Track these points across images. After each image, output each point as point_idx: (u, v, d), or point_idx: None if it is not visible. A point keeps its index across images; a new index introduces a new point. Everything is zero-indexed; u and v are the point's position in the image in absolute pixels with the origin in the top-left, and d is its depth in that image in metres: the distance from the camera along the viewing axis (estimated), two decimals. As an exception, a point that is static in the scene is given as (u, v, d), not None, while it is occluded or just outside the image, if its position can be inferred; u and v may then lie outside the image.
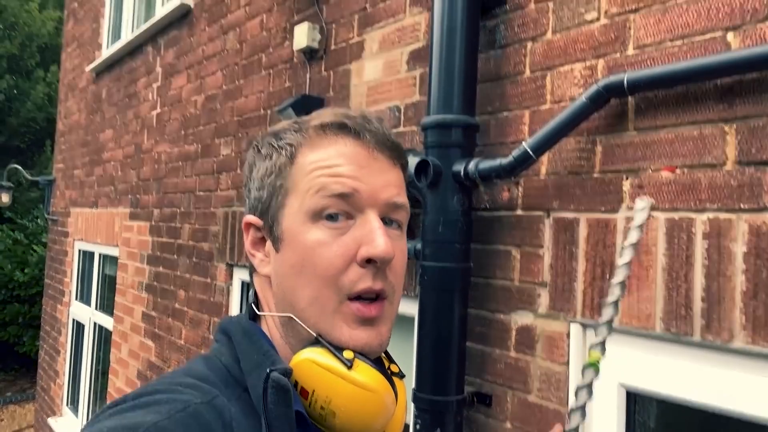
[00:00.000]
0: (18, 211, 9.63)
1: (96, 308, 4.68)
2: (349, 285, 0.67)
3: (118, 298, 4.02)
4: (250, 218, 0.74)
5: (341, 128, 0.70)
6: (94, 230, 4.59)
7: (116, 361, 3.94)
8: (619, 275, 0.83)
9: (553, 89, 1.39)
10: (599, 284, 1.26)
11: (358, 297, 0.68)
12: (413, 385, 1.45)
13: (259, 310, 0.75)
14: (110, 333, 4.15)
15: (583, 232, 1.30)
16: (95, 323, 4.65)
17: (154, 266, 3.47)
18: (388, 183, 0.70)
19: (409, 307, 1.68)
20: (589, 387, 0.79)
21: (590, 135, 1.31)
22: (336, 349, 0.66)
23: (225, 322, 0.74)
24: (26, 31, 10.22)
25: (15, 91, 10.16)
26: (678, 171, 1.15)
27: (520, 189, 1.44)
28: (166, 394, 0.59)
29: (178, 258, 3.17)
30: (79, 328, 5.00)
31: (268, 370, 0.61)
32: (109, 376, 4.05)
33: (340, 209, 0.67)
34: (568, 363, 1.30)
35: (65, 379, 5.13)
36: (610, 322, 0.81)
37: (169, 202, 3.32)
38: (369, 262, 0.67)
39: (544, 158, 1.39)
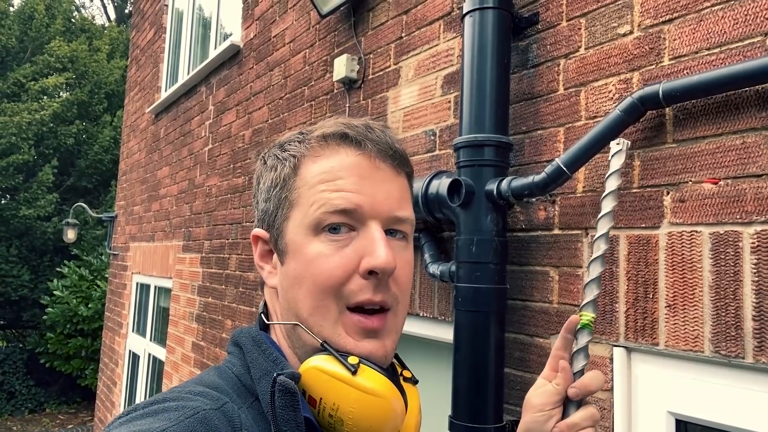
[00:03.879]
0: (84, 248, 10.13)
1: (150, 339, 4.82)
2: (349, 295, 0.67)
3: (170, 329, 4.12)
4: (258, 232, 0.75)
5: (343, 138, 0.70)
6: (151, 263, 4.76)
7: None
8: (603, 226, 0.84)
9: (587, 105, 1.36)
10: (642, 305, 1.19)
11: (360, 308, 0.67)
12: (450, 412, 1.40)
13: (268, 321, 0.75)
14: (163, 364, 4.25)
15: (623, 250, 1.24)
16: (150, 354, 4.77)
17: (203, 297, 3.56)
18: (390, 195, 0.70)
19: (446, 333, 1.64)
20: (585, 350, 0.78)
21: (628, 149, 1.26)
22: (341, 355, 0.65)
23: (236, 334, 0.75)
24: (95, 79, 10.94)
25: (84, 136, 10.83)
26: (721, 183, 1.09)
27: (557, 207, 1.40)
28: (175, 401, 0.59)
29: (226, 288, 3.24)
30: (134, 359, 5.15)
31: (275, 374, 0.61)
32: (161, 406, 4.12)
33: (342, 222, 0.67)
34: (612, 389, 1.23)
35: (121, 410, 5.26)
36: (599, 278, 0.81)
37: (218, 234, 3.42)
38: (371, 273, 0.66)
39: (581, 175, 1.35)
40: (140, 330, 5.13)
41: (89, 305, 9.17)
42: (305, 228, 0.68)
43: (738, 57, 1.08)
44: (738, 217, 1.06)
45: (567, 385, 0.78)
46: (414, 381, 0.76)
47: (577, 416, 0.76)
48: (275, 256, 0.73)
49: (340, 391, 0.63)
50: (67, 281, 9.39)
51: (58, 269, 9.73)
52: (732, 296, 1.05)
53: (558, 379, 0.78)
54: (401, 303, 0.71)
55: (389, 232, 0.70)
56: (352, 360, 0.64)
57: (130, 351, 5.29)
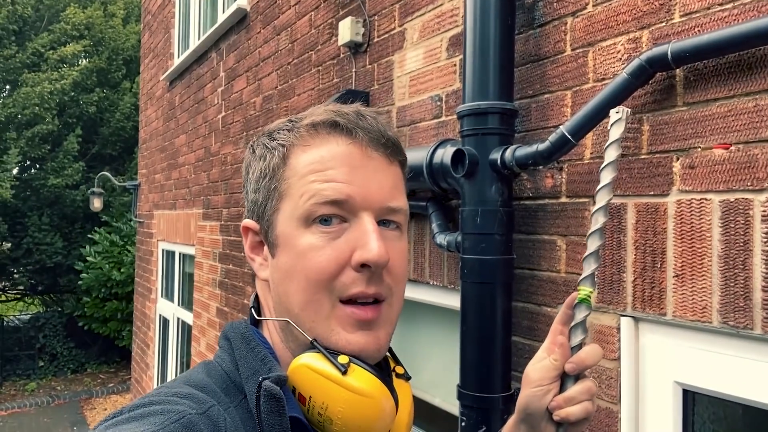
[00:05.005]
0: (113, 215, 10.33)
1: (178, 304, 4.95)
2: (342, 288, 0.65)
3: (195, 295, 4.22)
4: (248, 223, 0.74)
5: (333, 127, 0.68)
6: (174, 231, 4.84)
7: (196, 354, 4.15)
8: (602, 198, 0.81)
9: (595, 66, 1.30)
10: (650, 275, 1.16)
11: (352, 300, 0.66)
12: (458, 381, 1.41)
13: (260, 315, 0.75)
14: (191, 327, 4.38)
15: (631, 218, 1.21)
16: (178, 318, 4.91)
17: (224, 264, 3.62)
18: (382, 185, 0.68)
19: (455, 301, 1.64)
20: (583, 324, 0.78)
21: (636, 113, 1.21)
22: (331, 353, 0.64)
23: (227, 328, 0.74)
24: (112, 45, 10.89)
25: (106, 103, 10.87)
26: (732, 148, 1.04)
27: (564, 175, 1.36)
28: (161, 405, 0.59)
29: (245, 255, 3.28)
30: (165, 323, 5.31)
31: (260, 379, 0.61)
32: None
33: (334, 213, 0.66)
34: (619, 359, 1.22)
35: (155, 371, 5.47)
36: (597, 252, 0.80)
37: (236, 202, 3.44)
38: (364, 266, 0.65)
39: (588, 141, 1.30)
40: (168, 295, 5.28)
41: (121, 270, 9.42)
42: (296, 220, 0.66)
43: (752, 13, 1.01)
44: (749, 183, 1.01)
45: (564, 360, 0.77)
46: (407, 377, 0.75)
47: (574, 390, 0.76)
48: (266, 248, 0.72)
49: (329, 390, 0.62)
50: (99, 247, 9.63)
51: (89, 236, 9.97)
52: (741, 266, 1.01)
53: (556, 354, 0.77)
54: (396, 294, 0.69)
55: (382, 222, 0.68)
56: (343, 359, 0.64)
57: (160, 315, 5.46)
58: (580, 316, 0.79)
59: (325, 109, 0.70)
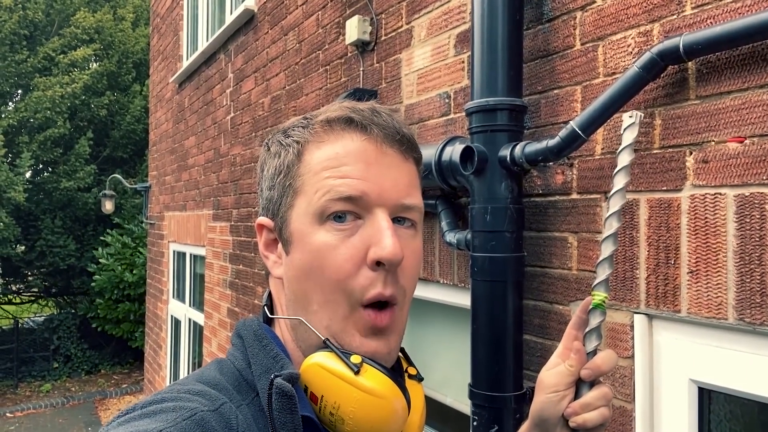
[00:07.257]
0: (124, 217, 10.40)
1: (190, 305, 4.97)
2: (360, 291, 0.64)
3: (206, 296, 4.24)
4: (262, 220, 0.73)
5: (348, 123, 0.67)
6: (185, 232, 4.87)
7: (208, 354, 4.17)
8: (615, 203, 0.80)
9: (605, 61, 1.28)
10: (663, 271, 1.15)
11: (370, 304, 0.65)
12: (469, 380, 1.40)
13: (272, 313, 0.74)
14: (202, 328, 4.39)
15: (644, 214, 1.19)
16: (190, 319, 4.94)
17: (235, 264, 3.63)
18: (397, 182, 0.67)
19: (466, 299, 1.63)
20: (597, 330, 0.78)
21: (648, 107, 1.19)
22: (344, 353, 0.64)
23: (239, 325, 0.74)
24: (122, 48, 10.97)
25: (116, 106, 10.95)
26: (747, 141, 1.02)
27: (575, 171, 1.34)
28: (173, 402, 0.59)
29: (255, 256, 3.29)
30: (176, 324, 5.34)
31: (272, 376, 0.61)
32: (203, 369, 4.29)
33: (348, 210, 0.65)
34: (633, 357, 1.20)
35: (167, 371, 5.50)
36: (611, 257, 0.79)
37: (245, 203, 3.45)
38: (378, 264, 0.64)
39: (599, 136, 1.29)
40: (180, 296, 5.30)
41: (134, 271, 9.48)
42: (310, 216, 0.66)
43: (766, 3, 0.99)
44: (765, 177, 0.99)
45: (580, 366, 0.76)
46: (419, 378, 0.74)
47: (590, 396, 0.75)
48: (280, 245, 0.71)
49: (341, 390, 0.62)
50: (111, 249, 9.70)
51: (101, 238, 10.05)
52: (757, 261, 0.99)
53: (571, 360, 0.76)
54: (407, 296, 0.69)
55: (396, 220, 0.67)
56: (355, 359, 0.63)
57: (171, 316, 5.49)
58: (594, 321, 0.78)
59: (339, 105, 0.70)
